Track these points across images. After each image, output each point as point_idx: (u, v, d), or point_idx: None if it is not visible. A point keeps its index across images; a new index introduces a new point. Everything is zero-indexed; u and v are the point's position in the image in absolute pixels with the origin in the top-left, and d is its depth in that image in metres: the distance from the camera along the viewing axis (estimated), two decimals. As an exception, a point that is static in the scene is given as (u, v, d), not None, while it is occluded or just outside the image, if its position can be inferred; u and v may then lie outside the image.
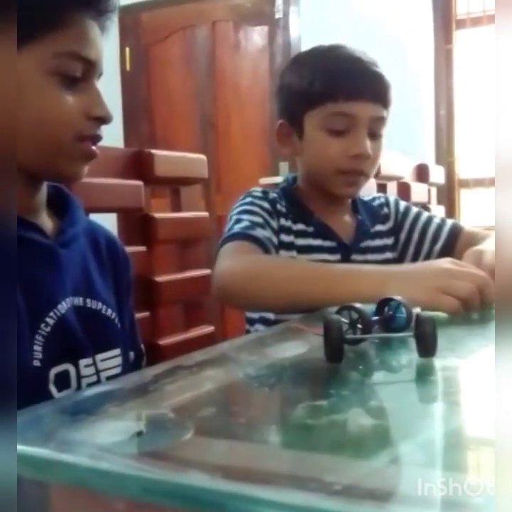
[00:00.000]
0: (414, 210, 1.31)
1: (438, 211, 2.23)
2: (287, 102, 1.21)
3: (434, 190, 2.36)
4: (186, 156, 1.48)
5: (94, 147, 0.80)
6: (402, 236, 1.28)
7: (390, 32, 3.35)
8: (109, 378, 0.82)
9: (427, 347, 0.65)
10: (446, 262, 0.91)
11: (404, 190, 1.99)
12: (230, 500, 0.35)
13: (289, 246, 1.16)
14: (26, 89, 0.75)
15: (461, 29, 3.49)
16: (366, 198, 1.32)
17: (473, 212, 3.46)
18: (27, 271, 0.75)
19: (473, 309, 0.85)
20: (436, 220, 1.29)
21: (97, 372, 0.81)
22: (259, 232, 1.09)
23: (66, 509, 0.45)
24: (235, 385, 0.61)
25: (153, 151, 1.31)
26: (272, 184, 3.07)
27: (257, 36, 3.63)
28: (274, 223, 1.15)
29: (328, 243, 1.18)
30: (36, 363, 0.74)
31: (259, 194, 1.18)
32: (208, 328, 1.57)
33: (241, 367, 0.67)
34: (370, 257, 1.23)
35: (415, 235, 1.28)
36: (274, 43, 3.53)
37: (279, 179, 3.21)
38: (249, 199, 1.17)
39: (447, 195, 3.38)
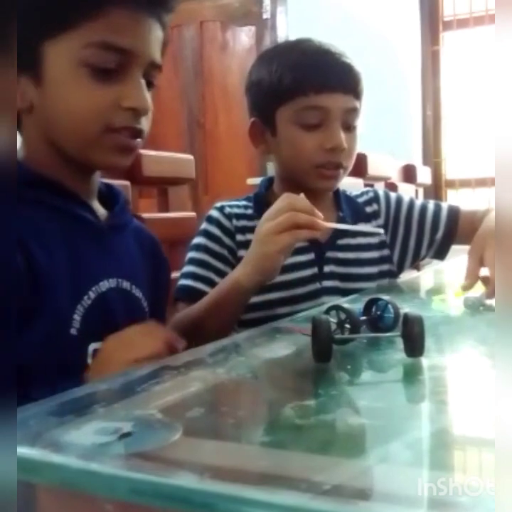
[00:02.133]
0: (406, 200, 1.28)
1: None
2: (258, 99, 1.20)
3: (421, 191, 2.37)
4: (174, 156, 1.48)
5: (137, 139, 0.80)
6: (400, 231, 1.25)
7: (378, 33, 3.36)
8: None
9: (414, 347, 0.65)
10: (260, 220, 0.99)
11: (391, 191, 1.99)
12: (219, 500, 0.35)
13: None
14: (57, 80, 0.75)
15: (447, 31, 3.51)
16: (353, 194, 1.30)
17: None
18: (75, 244, 0.78)
19: (311, 225, 0.92)
20: (431, 207, 1.27)
21: None
22: (198, 280, 1.14)
23: (53, 510, 0.45)
24: (223, 385, 0.61)
25: (140, 151, 1.31)
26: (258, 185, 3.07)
27: (244, 36, 3.63)
28: (224, 250, 1.16)
29: (299, 244, 1.17)
30: (73, 332, 0.76)
31: (214, 216, 1.18)
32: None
33: (229, 367, 0.67)
34: (350, 255, 1.20)
35: (414, 227, 1.25)
36: (262, 43, 3.53)
37: (266, 179, 3.21)
38: (197, 239, 1.18)
39: (434, 196, 3.40)
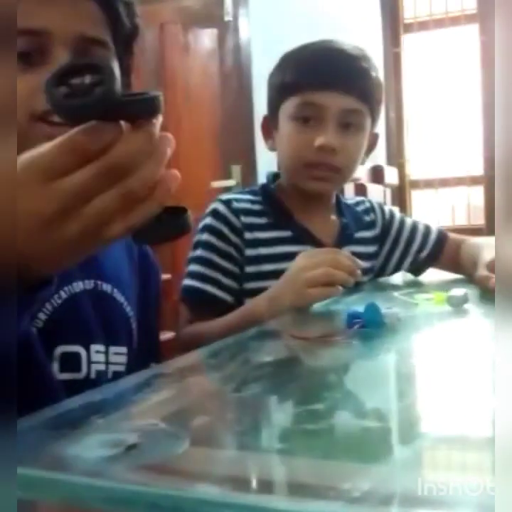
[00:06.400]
0: (398, 216, 1.30)
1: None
2: (268, 95, 1.22)
3: (388, 191, 2.39)
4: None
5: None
6: (387, 244, 1.27)
7: (340, 35, 3.38)
8: (115, 374, 0.80)
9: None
10: (299, 260, 0.97)
11: (360, 191, 2.00)
12: (245, 513, 0.34)
13: (255, 260, 1.12)
14: None
15: (408, 33, 3.56)
16: (349, 201, 1.30)
17: (424, 213, 3.53)
18: None
19: (345, 284, 0.93)
20: (421, 228, 1.28)
21: (107, 362, 0.79)
22: (205, 282, 1.11)
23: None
24: (222, 391, 0.59)
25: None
26: (223, 188, 3.04)
27: (206, 39, 3.61)
28: (231, 248, 1.12)
29: (308, 248, 1.11)
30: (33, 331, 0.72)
31: (221, 211, 1.12)
32: (169, 334, 1.55)
33: (224, 372, 0.65)
34: None
35: (401, 245, 1.27)
36: (224, 45, 3.52)
37: (231, 182, 3.19)
38: (202, 235, 1.12)
39: (399, 196, 3.44)
